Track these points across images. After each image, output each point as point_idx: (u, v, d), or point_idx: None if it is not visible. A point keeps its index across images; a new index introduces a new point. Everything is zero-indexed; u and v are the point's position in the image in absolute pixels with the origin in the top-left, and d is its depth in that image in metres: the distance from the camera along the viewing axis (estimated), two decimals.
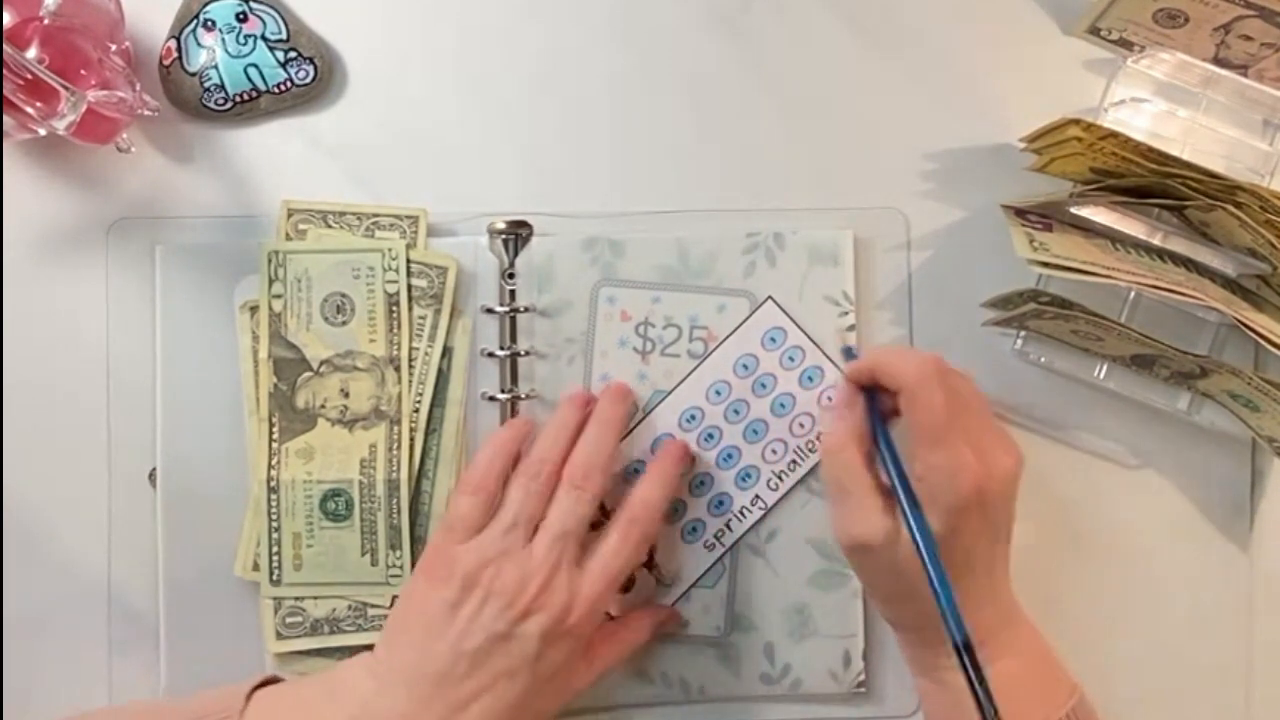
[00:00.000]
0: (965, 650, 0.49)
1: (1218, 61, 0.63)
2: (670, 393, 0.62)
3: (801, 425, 0.62)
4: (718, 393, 0.62)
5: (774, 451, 0.62)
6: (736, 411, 0.62)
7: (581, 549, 0.57)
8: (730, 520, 0.62)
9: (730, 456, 0.62)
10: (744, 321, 0.62)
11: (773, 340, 0.62)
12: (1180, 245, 0.62)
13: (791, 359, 0.62)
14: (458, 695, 0.53)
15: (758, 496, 0.62)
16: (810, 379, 0.62)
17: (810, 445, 0.62)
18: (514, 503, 0.57)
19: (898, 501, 0.53)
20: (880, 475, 0.55)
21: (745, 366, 0.62)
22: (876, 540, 0.53)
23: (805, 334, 0.62)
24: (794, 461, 0.62)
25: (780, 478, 0.62)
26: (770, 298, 0.62)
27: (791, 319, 0.62)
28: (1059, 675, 0.56)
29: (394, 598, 0.61)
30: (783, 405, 0.62)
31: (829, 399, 0.62)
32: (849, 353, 0.61)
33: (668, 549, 0.62)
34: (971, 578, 0.53)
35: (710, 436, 0.62)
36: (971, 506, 0.52)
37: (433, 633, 0.54)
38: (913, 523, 0.52)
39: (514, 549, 0.55)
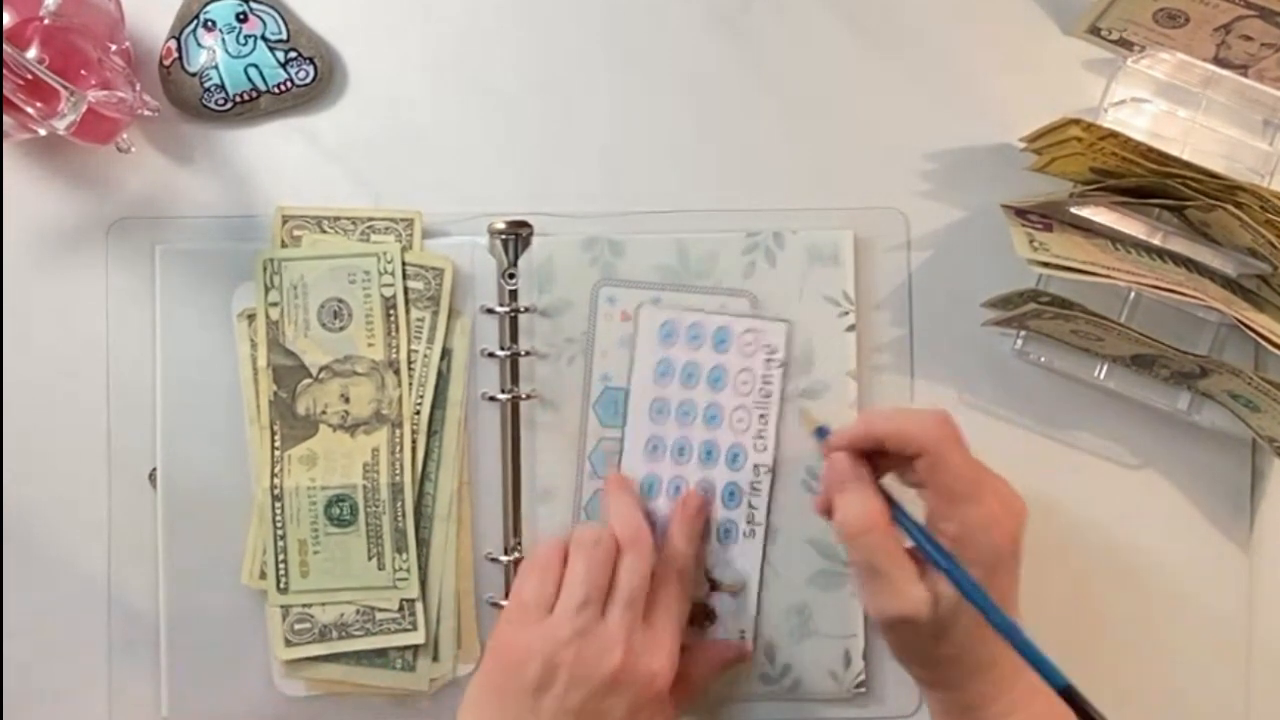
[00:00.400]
0: (1069, 693, 0.47)
1: (1218, 61, 0.63)
2: (623, 438, 0.62)
3: (744, 383, 0.62)
4: (659, 411, 0.62)
5: (740, 420, 0.62)
6: (686, 413, 0.62)
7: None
8: (750, 500, 0.62)
9: (710, 452, 0.62)
10: (635, 336, 0.62)
11: (668, 335, 0.62)
12: (1180, 245, 0.62)
13: (695, 337, 0.62)
14: None
15: (756, 465, 0.62)
16: (722, 341, 0.62)
17: (764, 391, 0.62)
18: (580, 577, 0.55)
19: (943, 570, 0.51)
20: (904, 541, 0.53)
21: (663, 372, 0.62)
22: (924, 614, 0.50)
23: (684, 306, 0.62)
24: (762, 415, 0.62)
25: (761, 436, 0.62)
26: (640, 305, 0.62)
27: (669, 305, 0.62)
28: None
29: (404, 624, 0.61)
30: (717, 379, 0.62)
31: (750, 335, 0.62)
32: (822, 432, 0.57)
33: (721, 563, 0.62)
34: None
35: (681, 450, 0.62)
36: (1007, 555, 0.51)
37: (517, 717, 0.54)
38: (968, 586, 0.50)
39: (590, 626, 0.54)
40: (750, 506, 0.62)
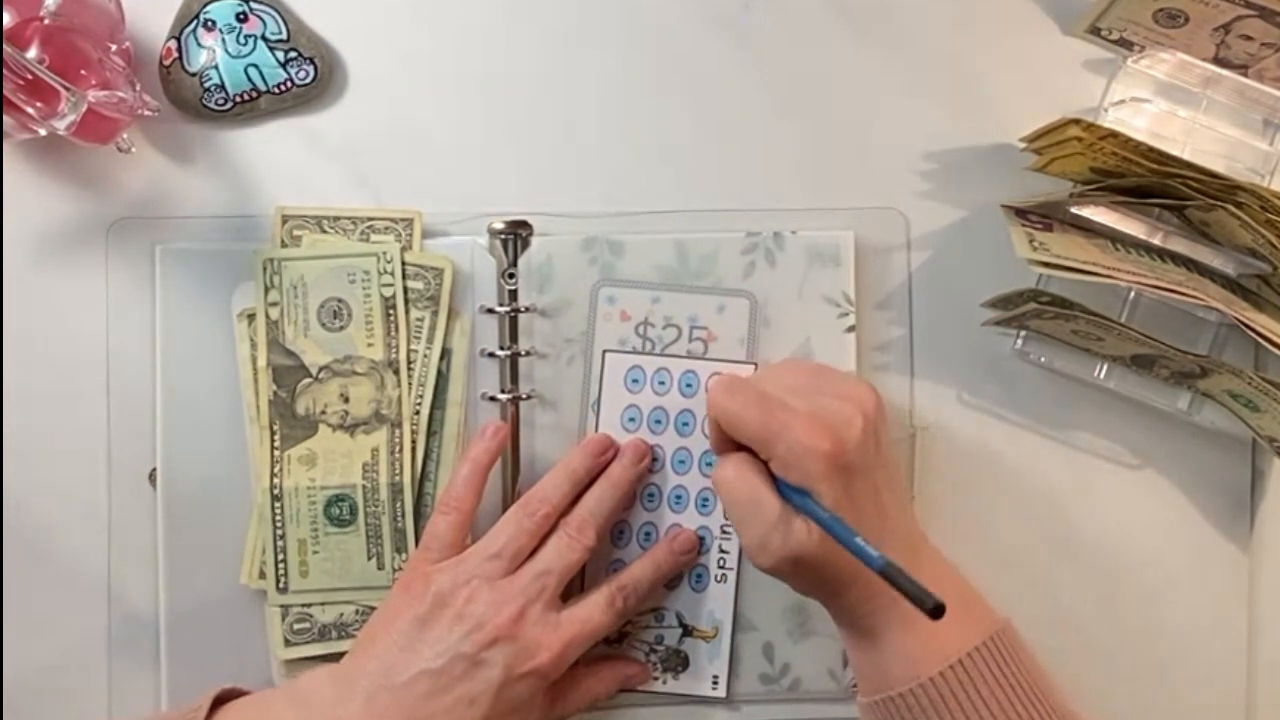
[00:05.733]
0: (888, 569, 0.49)
1: (1218, 61, 0.63)
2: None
3: None
4: None
5: (710, 465, 0.62)
6: (656, 459, 0.62)
7: (561, 598, 0.57)
8: (720, 544, 0.62)
9: (680, 497, 0.62)
10: (600, 382, 0.62)
11: (635, 381, 0.62)
12: (1180, 245, 0.62)
13: (662, 383, 0.62)
14: (415, 712, 0.53)
15: None
16: (689, 385, 0.62)
17: None
18: (503, 534, 0.57)
19: (790, 500, 0.53)
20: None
21: (632, 419, 0.62)
22: (806, 544, 0.52)
23: (652, 353, 0.62)
24: None
25: None
26: (605, 351, 0.62)
27: (632, 350, 0.62)
28: (977, 607, 0.56)
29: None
30: (685, 424, 0.62)
31: (717, 373, 0.62)
32: None
33: (693, 610, 0.62)
34: (865, 526, 0.53)
35: (651, 496, 0.62)
36: (833, 472, 0.52)
37: (399, 647, 0.55)
38: (803, 503, 0.53)
39: (493, 576, 0.56)
40: (721, 551, 0.62)
